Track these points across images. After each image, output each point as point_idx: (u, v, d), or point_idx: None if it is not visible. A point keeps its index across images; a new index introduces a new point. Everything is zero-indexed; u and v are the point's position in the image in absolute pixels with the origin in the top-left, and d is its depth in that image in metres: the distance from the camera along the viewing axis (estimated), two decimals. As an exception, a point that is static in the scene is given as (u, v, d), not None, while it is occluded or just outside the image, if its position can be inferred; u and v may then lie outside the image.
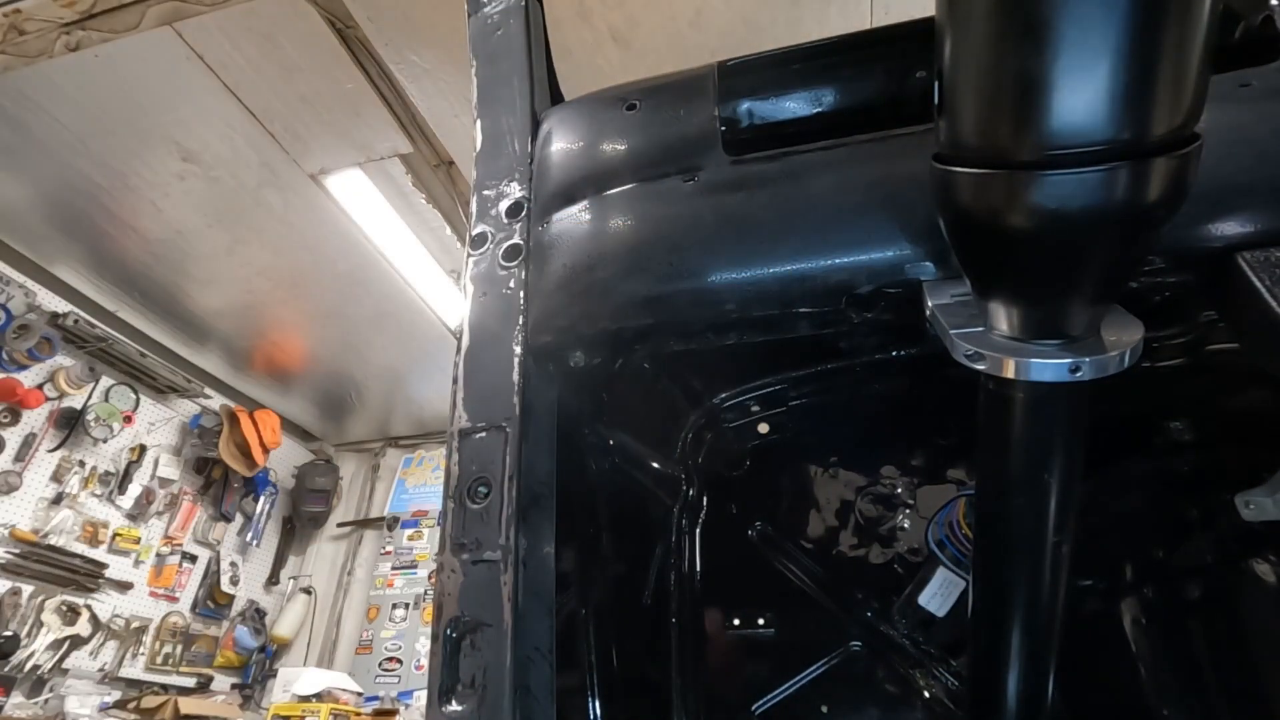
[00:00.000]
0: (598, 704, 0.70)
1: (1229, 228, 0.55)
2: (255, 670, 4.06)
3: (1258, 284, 0.52)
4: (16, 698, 3.00)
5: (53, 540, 3.18)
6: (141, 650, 3.54)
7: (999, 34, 0.39)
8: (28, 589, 3.08)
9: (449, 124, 2.57)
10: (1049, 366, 0.50)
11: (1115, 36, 0.35)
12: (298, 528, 4.58)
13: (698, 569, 0.91)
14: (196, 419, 3.90)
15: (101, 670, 3.35)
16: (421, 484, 4.71)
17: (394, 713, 3.65)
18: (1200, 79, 0.39)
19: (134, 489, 3.56)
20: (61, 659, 3.15)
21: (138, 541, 3.56)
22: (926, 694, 0.89)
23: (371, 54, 2.33)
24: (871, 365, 0.79)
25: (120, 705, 3.27)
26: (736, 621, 0.93)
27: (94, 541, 3.37)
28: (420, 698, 3.82)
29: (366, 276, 3.36)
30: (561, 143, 0.78)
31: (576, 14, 2.16)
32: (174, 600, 3.76)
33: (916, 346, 0.75)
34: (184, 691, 3.63)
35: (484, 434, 0.68)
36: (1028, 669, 0.73)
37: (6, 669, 2.95)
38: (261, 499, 4.23)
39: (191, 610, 3.85)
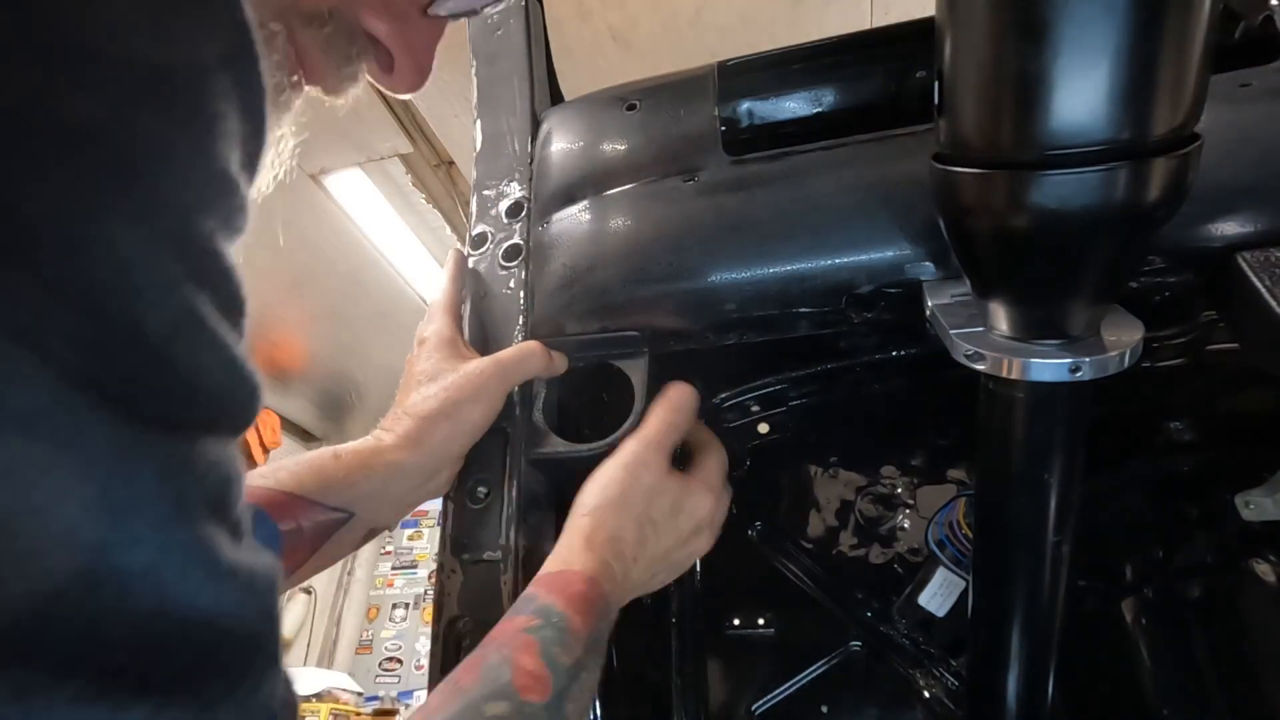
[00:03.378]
0: (598, 704, 0.70)
1: (1229, 228, 0.55)
2: (255, 670, 4.05)
3: (1258, 284, 0.52)
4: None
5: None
6: (141, 650, 3.53)
7: (999, 34, 0.39)
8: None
9: (449, 124, 2.57)
10: (1049, 366, 0.50)
11: (1115, 37, 0.35)
12: (298, 528, 4.58)
13: (698, 569, 0.92)
14: (196, 419, 3.89)
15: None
16: (421, 484, 4.69)
17: (394, 713, 3.66)
18: (1200, 79, 0.39)
19: (134, 489, 3.55)
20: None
21: (138, 541, 3.56)
22: (926, 694, 0.89)
23: (371, 54, 2.33)
24: (871, 365, 0.79)
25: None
26: (736, 621, 0.93)
27: (94, 541, 3.37)
28: (420, 697, 3.81)
29: (366, 276, 3.36)
30: (561, 143, 0.78)
31: (576, 14, 2.16)
32: (174, 600, 3.75)
33: (916, 346, 0.75)
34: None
35: (484, 434, 0.68)
36: (1028, 669, 0.73)
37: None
38: (261, 499, 4.22)
39: (192, 610, 3.84)
